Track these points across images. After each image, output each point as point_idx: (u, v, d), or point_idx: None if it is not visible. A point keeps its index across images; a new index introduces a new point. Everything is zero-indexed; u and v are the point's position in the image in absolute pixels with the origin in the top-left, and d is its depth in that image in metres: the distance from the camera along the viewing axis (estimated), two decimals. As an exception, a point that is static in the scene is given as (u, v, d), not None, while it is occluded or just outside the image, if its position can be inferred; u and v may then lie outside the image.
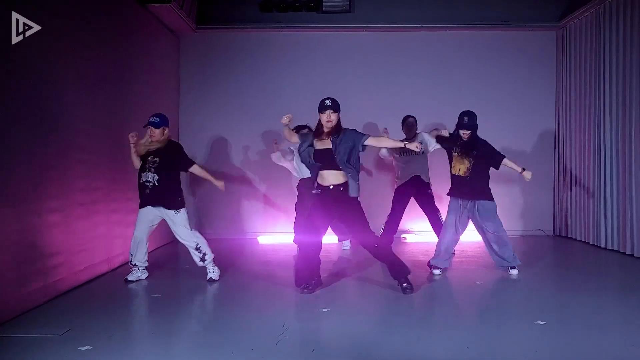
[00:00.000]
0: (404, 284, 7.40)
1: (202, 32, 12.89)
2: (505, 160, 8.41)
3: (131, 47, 10.07)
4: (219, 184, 8.53)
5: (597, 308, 6.75)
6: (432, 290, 7.74)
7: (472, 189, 8.35)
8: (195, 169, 8.36)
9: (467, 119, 8.36)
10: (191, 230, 8.30)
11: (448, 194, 8.60)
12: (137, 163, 8.28)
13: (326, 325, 6.17)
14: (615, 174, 10.56)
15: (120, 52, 9.55)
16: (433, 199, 10.25)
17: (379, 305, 7.04)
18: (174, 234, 8.29)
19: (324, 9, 12.53)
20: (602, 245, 10.85)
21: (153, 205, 8.10)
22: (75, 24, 7.92)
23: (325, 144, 7.34)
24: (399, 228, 10.71)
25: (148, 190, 8.04)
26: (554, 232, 12.97)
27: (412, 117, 10.40)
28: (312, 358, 5.08)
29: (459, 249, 10.18)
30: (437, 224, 10.07)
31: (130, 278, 8.25)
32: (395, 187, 10.49)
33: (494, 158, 8.41)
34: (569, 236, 12.38)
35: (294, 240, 10.46)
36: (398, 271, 7.47)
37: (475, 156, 8.31)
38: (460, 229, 8.53)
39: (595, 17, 11.28)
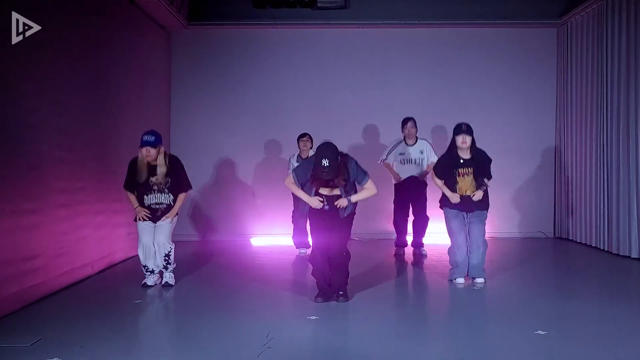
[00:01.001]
0: (340, 292, 7.07)
1: (194, 29, 12.63)
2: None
3: (120, 43, 9.83)
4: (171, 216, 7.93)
5: (602, 317, 6.46)
6: (426, 297, 7.51)
7: (476, 204, 7.98)
8: (184, 197, 7.99)
9: (466, 126, 7.95)
10: (171, 236, 7.96)
11: (446, 207, 8.11)
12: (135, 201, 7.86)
13: (314, 334, 5.90)
14: (618, 174, 10.27)
15: (108, 48, 9.32)
16: (426, 200, 9.99)
17: (371, 313, 6.68)
18: (160, 233, 7.84)
19: (318, 5, 12.31)
20: (606, 249, 10.57)
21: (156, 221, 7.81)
22: (62, 20, 7.70)
23: (333, 191, 6.96)
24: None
25: (160, 213, 7.75)
26: (554, 235, 12.71)
27: (412, 119, 10.13)
28: (297, 371, 4.79)
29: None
30: (418, 224, 10.07)
31: (148, 282, 7.92)
32: (395, 183, 10.23)
33: (486, 172, 8.07)
34: (570, 238, 12.12)
35: (296, 245, 10.51)
36: (342, 282, 7.13)
37: (476, 172, 7.94)
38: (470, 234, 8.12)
39: (597, 14, 11.02)
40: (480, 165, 7.97)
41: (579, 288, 7.89)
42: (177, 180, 7.79)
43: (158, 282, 8.02)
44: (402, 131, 10.14)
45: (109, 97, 9.31)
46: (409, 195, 10.07)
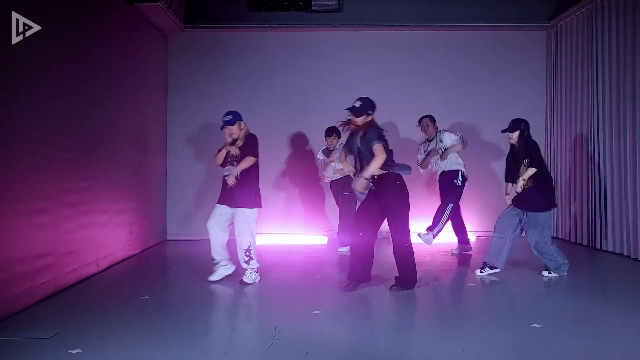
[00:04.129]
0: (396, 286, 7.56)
1: (190, 32, 12.79)
2: (530, 170, 8.21)
3: (119, 46, 9.94)
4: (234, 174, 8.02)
5: (594, 311, 6.72)
6: (424, 292, 7.67)
7: (524, 199, 8.26)
8: (249, 160, 7.98)
9: (513, 123, 8.44)
10: (251, 231, 8.02)
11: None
12: (219, 159, 8.17)
13: (319, 327, 6.08)
14: (610, 174, 10.45)
15: (108, 51, 9.41)
16: (454, 189, 10.11)
17: (372, 308, 6.97)
18: (234, 224, 8.09)
19: (313, 8, 12.51)
20: (598, 247, 10.79)
21: (229, 205, 8.00)
22: (64, 23, 7.78)
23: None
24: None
25: (228, 185, 7.93)
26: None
27: (426, 117, 10.43)
28: (306, 361, 5.00)
29: (450, 250, 10.24)
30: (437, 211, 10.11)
31: (212, 277, 8.15)
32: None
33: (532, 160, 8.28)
34: (561, 237, 12.32)
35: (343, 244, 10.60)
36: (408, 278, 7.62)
37: (528, 165, 8.22)
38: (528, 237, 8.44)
39: (587, 16, 11.25)
40: (520, 155, 8.29)
41: (572, 285, 8.09)
42: (246, 150, 7.98)
43: (228, 273, 8.22)
44: (421, 130, 10.52)
45: (108, 98, 9.40)
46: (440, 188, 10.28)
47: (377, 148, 7.22)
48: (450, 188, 10.07)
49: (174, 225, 12.73)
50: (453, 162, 10.09)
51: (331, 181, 10.75)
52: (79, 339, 5.47)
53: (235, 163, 7.91)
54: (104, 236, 9.04)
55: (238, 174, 7.84)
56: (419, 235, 9.65)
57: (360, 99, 7.52)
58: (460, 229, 10.40)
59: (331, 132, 10.56)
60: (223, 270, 8.19)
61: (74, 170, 8.01)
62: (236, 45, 12.90)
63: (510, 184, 8.52)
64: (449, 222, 10.21)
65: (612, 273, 9.35)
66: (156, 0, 10.41)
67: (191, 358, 5.11)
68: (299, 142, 12.77)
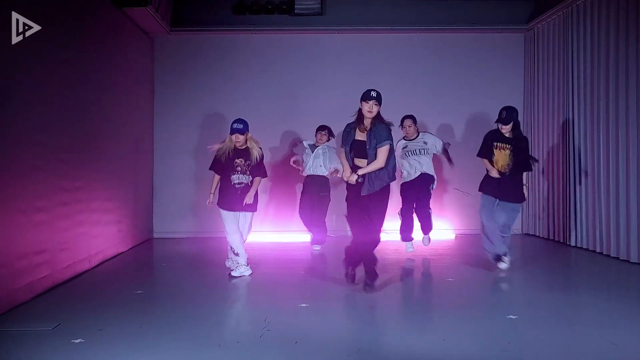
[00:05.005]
0: (367, 282, 7.54)
1: (176, 34, 12.96)
2: (527, 174, 8.68)
3: (108, 48, 10.13)
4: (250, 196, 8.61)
5: (567, 304, 7.10)
6: (406, 287, 7.98)
7: (506, 187, 8.53)
8: (259, 180, 8.70)
9: (505, 114, 8.55)
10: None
11: (480, 190, 8.77)
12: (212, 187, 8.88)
13: (306, 319, 6.40)
14: (584, 173, 10.75)
15: (97, 54, 9.59)
16: (429, 194, 10.20)
17: (355, 302, 7.26)
18: (241, 225, 8.67)
19: (295, 11, 12.66)
20: (572, 244, 11.07)
21: (239, 210, 8.55)
22: (56, 26, 7.93)
23: (363, 135, 7.50)
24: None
25: (240, 192, 8.51)
26: (521, 231, 13.13)
27: (409, 117, 10.41)
28: (296, 349, 5.30)
29: (431, 248, 10.52)
30: (423, 217, 10.24)
31: (235, 273, 8.51)
32: (402, 183, 10.31)
33: (525, 163, 8.61)
34: (537, 235, 12.64)
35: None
36: (370, 270, 7.63)
37: (514, 152, 8.48)
38: (496, 217, 8.61)
39: (563, 20, 11.58)
40: (518, 148, 8.51)
41: (546, 279, 8.48)
42: (257, 166, 8.61)
43: (247, 274, 8.58)
44: (401, 130, 10.30)
45: (98, 100, 9.57)
46: (415, 191, 10.17)
47: (385, 150, 7.35)
48: (426, 192, 10.16)
49: (159, 224, 12.95)
50: (431, 167, 10.19)
51: (307, 177, 10.86)
52: (80, 330, 5.76)
53: (247, 172, 8.52)
54: (95, 234, 9.29)
55: (251, 199, 8.56)
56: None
57: (375, 90, 7.48)
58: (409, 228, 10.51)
59: (323, 128, 10.82)
60: (244, 269, 8.55)
61: (69, 169, 8.27)
62: (221, 48, 13.11)
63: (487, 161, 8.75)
64: (402, 219, 10.37)
65: (584, 268, 9.70)
66: (145, 4, 10.58)
67: (187, 347, 5.39)
68: (284, 142, 13.03)
